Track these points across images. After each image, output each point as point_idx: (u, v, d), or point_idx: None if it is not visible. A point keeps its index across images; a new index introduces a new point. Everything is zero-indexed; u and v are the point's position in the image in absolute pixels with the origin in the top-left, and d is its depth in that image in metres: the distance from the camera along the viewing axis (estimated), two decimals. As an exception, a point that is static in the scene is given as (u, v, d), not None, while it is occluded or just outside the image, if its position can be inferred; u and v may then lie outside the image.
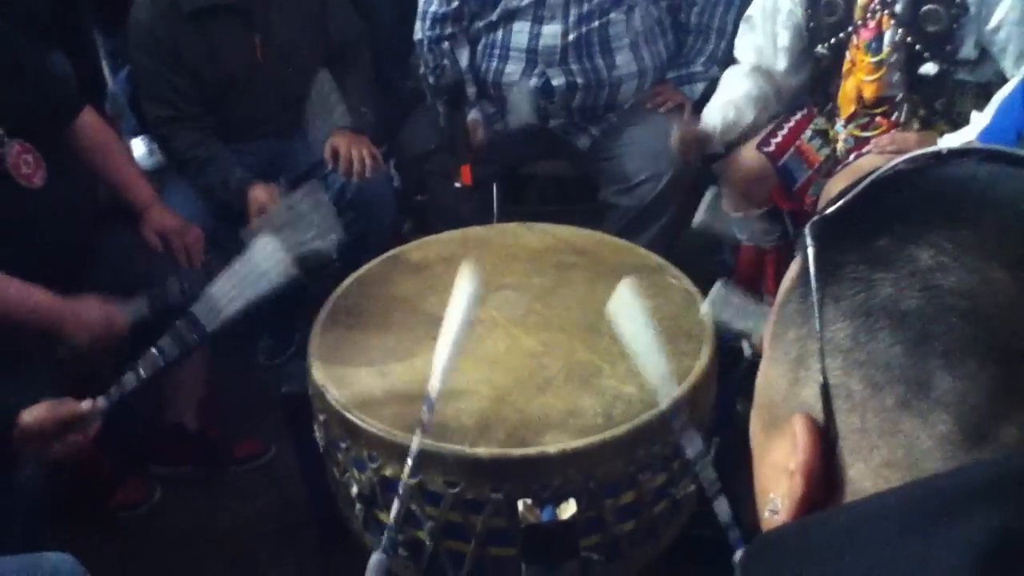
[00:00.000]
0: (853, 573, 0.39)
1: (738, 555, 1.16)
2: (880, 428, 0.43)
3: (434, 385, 1.25)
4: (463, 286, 1.25)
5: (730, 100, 2.20)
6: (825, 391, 0.45)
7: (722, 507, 1.23)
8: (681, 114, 2.46)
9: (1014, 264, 0.41)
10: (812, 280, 0.47)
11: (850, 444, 0.44)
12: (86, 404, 1.50)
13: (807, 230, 0.48)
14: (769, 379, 0.51)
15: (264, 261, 1.53)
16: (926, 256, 0.43)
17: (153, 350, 1.51)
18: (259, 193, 2.17)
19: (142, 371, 1.50)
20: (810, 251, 0.47)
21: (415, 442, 1.28)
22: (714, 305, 1.48)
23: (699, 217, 2.00)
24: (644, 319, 1.23)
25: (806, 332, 0.47)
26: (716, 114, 2.18)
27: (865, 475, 0.43)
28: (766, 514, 0.49)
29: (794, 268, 0.51)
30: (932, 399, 0.41)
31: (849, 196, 0.48)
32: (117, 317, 1.76)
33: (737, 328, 1.48)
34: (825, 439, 0.45)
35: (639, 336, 1.24)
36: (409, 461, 1.28)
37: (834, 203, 0.49)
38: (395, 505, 1.31)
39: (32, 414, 1.46)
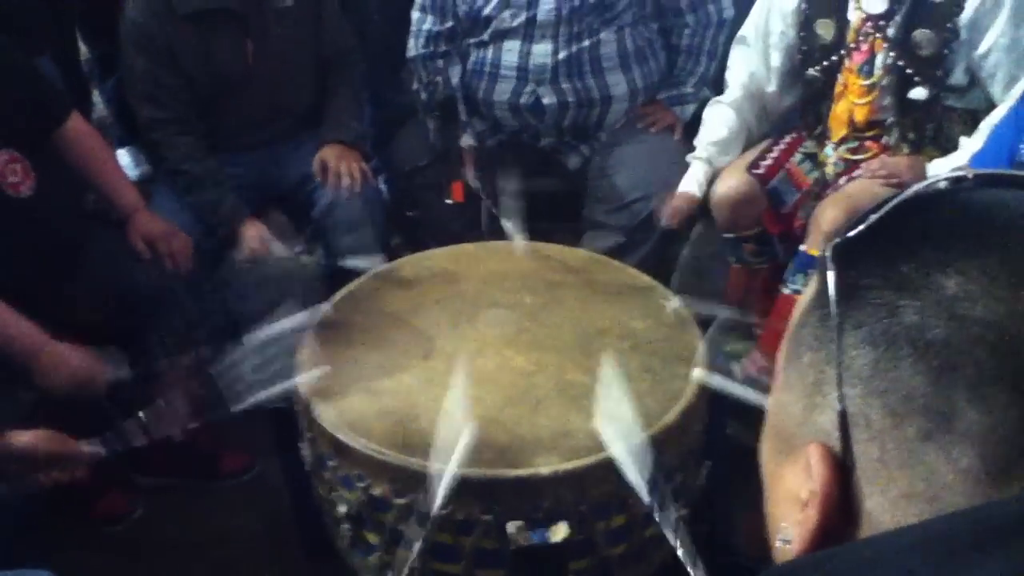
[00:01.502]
0: None
1: None
2: (900, 459, 0.42)
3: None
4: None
5: (713, 146, 2.23)
6: (843, 419, 0.44)
7: (687, 554, 1.21)
8: (672, 133, 2.46)
9: None
10: (832, 304, 0.45)
11: (867, 474, 0.43)
12: (85, 447, 1.45)
13: (827, 252, 0.47)
14: (782, 404, 0.49)
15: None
16: (952, 284, 0.41)
17: (162, 403, 1.46)
18: (250, 234, 2.17)
19: (148, 425, 1.44)
20: (830, 274, 0.46)
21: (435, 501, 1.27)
22: None
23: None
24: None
25: (823, 357, 0.46)
26: (699, 169, 2.22)
27: (883, 507, 0.42)
28: (778, 543, 0.47)
29: (811, 290, 0.49)
30: (956, 432, 0.40)
31: (872, 219, 0.47)
32: (98, 373, 1.69)
33: None
34: (841, 468, 0.44)
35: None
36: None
37: (856, 226, 0.47)
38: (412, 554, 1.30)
39: (24, 439, 1.41)
